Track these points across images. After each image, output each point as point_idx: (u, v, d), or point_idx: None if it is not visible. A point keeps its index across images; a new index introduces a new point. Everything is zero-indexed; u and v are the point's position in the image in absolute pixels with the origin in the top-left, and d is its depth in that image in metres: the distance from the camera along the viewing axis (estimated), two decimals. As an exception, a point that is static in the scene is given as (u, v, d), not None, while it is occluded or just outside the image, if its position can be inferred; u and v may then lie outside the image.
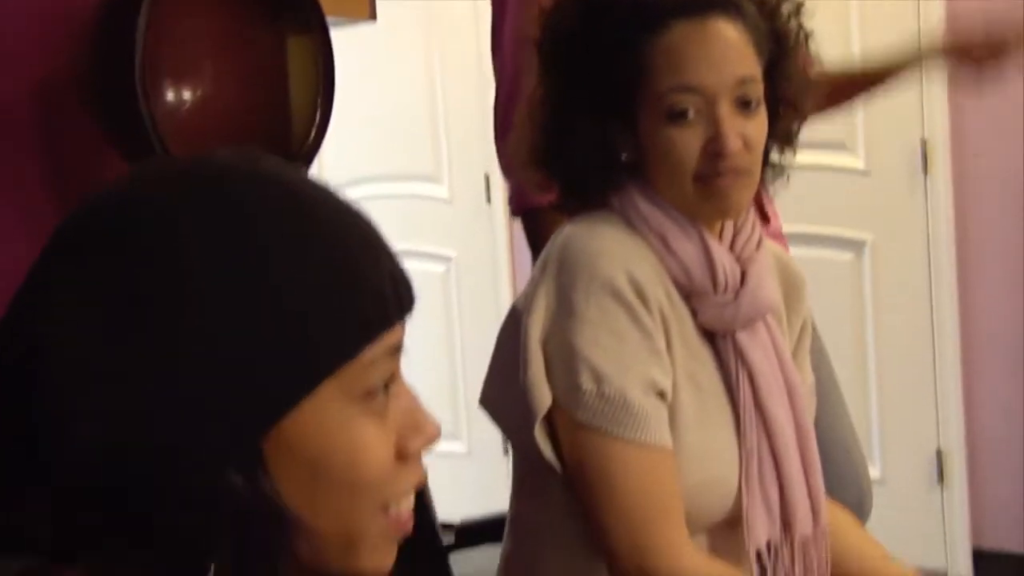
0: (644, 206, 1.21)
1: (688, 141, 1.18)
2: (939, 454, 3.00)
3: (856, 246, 3.05)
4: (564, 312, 1.16)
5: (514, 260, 3.55)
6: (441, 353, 3.69)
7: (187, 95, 1.54)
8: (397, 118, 3.68)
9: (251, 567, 0.61)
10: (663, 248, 1.20)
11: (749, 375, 1.22)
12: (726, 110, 1.18)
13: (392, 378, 0.65)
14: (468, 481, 3.45)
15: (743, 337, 1.22)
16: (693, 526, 1.19)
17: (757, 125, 1.19)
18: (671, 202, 1.21)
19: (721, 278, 1.20)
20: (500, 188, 3.51)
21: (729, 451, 1.21)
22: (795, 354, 1.32)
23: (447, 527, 1.64)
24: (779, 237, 1.83)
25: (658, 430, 1.15)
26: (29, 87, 1.60)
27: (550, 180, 1.28)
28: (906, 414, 3.02)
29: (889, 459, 3.01)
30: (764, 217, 1.75)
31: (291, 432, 0.61)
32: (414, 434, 0.66)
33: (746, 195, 1.21)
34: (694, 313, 1.23)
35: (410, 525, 0.68)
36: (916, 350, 2.99)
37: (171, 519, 0.60)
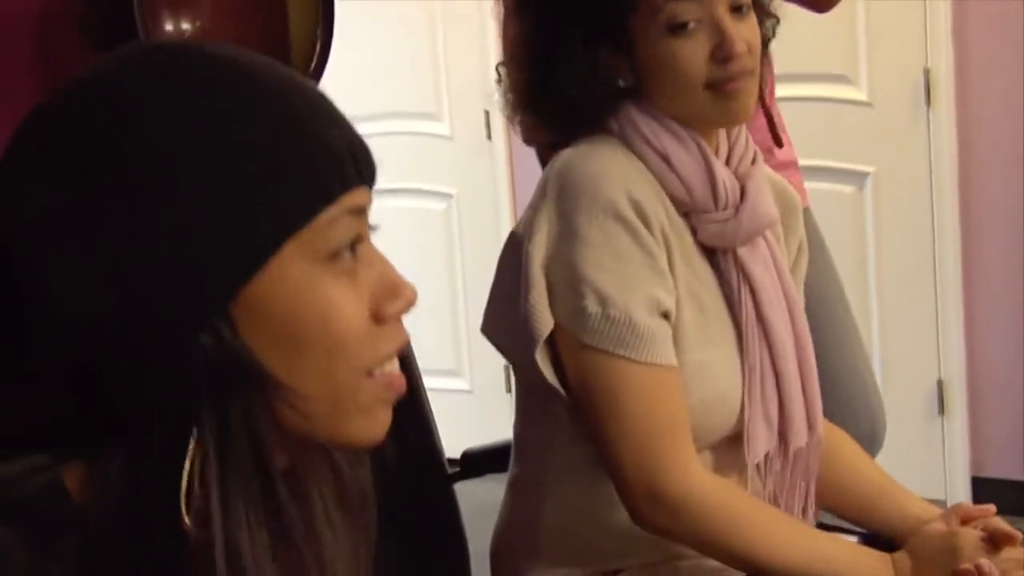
0: (645, 124, 1.21)
1: (693, 51, 1.18)
2: (940, 384, 3.02)
3: (858, 178, 3.04)
4: (567, 236, 1.16)
5: (515, 196, 3.54)
6: (443, 290, 3.70)
7: (186, 27, 1.53)
8: (397, 55, 3.65)
9: (234, 434, 0.62)
10: (664, 166, 1.20)
11: (751, 289, 1.23)
12: (724, 14, 1.19)
13: (359, 240, 0.67)
14: (470, 418, 3.48)
15: (744, 252, 1.23)
16: (698, 443, 1.21)
17: (751, 27, 1.22)
18: (677, 117, 1.21)
19: (722, 194, 1.21)
20: (500, 125, 3.49)
21: (732, 368, 1.23)
22: (791, 274, 1.34)
23: (450, 462, 1.65)
24: (792, 167, 1.83)
25: (664, 349, 1.16)
26: (28, 20, 1.58)
27: (540, 123, 1.27)
28: (907, 345, 3.03)
29: (890, 389, 3.01)
30: (778, 142, 1.75)
31: (260, 295, 0.62)
32: (390, 297, 0.67)
33: (752, 98, 1.22)
34: (693, 232, 1.23)
35: (403, 385, 0.68)
36: (918, 281, 2.99)
37: (148, 390, 0.61)
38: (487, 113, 3.54)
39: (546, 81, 1.22)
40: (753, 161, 1.26)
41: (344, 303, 0.65)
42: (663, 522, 1.17)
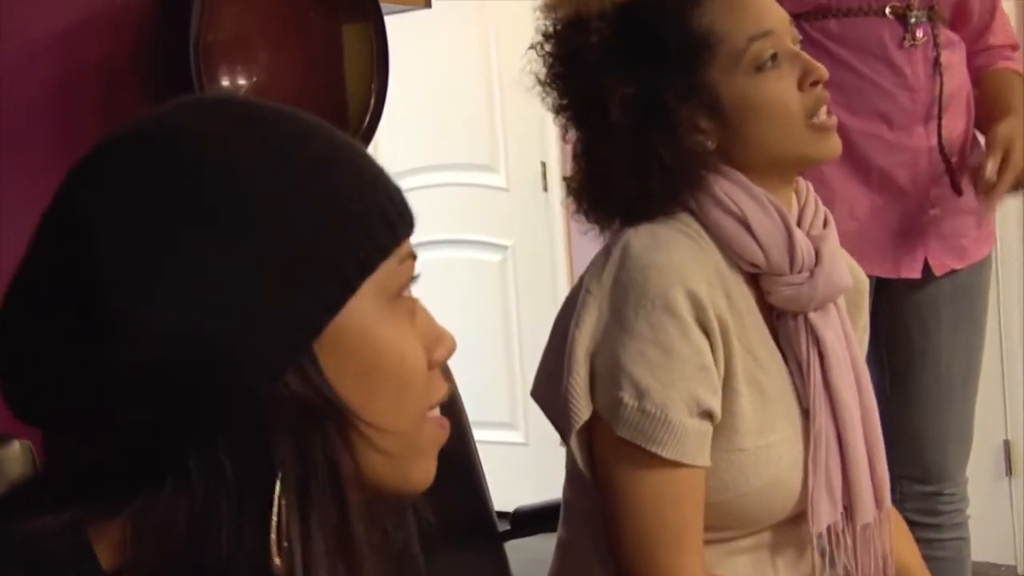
0: (723, 189, 1.18)
1: (784, 84, 1.18)
2: (1006, 445, 2.94)
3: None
4: (615, 326, 1.14)
5: (571, 248, 3.54)
6: (498, 342, 3.69)
7: (243, 82, 1.55)
8: (454, 107, 3.68)
9: (317, 471, 0.62)
10: (740, 231, 1.18)
11: (820, 355, 1.20)
12: (795, 46, 1.19)
13: (408, 287, 0.69)
14: (525, 471, 3.45)
15: (815, 317, 1.20)
16: (756, 525, 1.19)
17: None
18: (761, 173, 1.19)
19: (799, 258, 1.18)
20: (557, 177, 3.49)
21: (793, 451, 1.19)
22: None
23: (503, 516, 1.63)
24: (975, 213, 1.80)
25: (694, 449, 1.13)
26: (92, 74, 1.62)
27: (619, 211, 1.21)
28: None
29: (955, 450, 2.95)
30: (956, 189, 1.74)
31: (341, 332, 0.64)
32: (436, 344, 0.70)
33: None
34: (761, 299, 1.21)
35: (448, 428, 0.71)
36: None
37: (231, 424, 0.61)
38: (543, 165, 3.54)
39: (632, 160, 1.18)
40: (825, 224, 1.24)
41: (412, 342, 0.67)
42: None
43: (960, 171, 1.76)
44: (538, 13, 1.23)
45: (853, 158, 1.71)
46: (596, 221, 1.23)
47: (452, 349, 0.71)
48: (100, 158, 0.64)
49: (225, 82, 1.53)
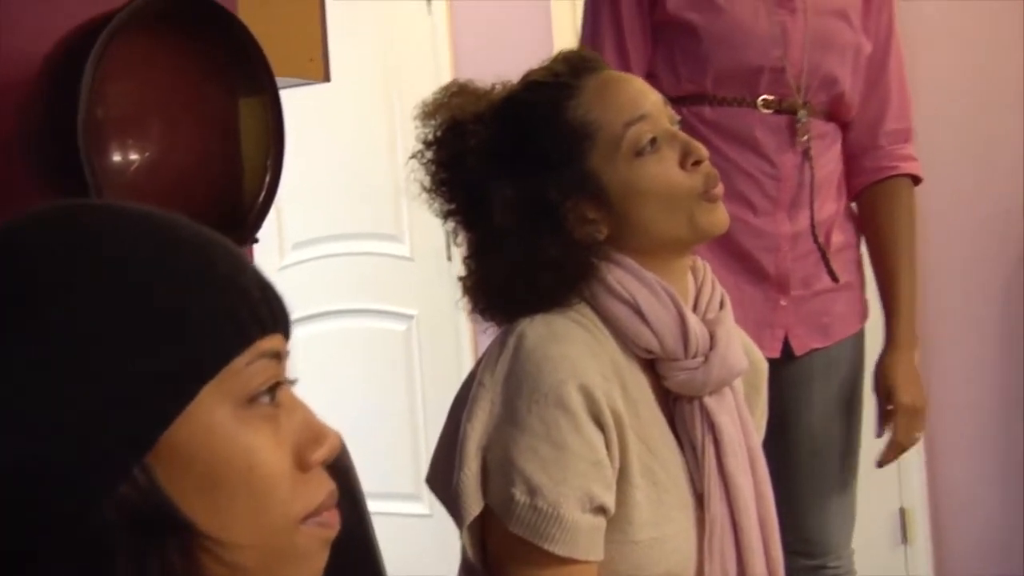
0: (615, 277, 1.19)
1: (668, 165, 1.19)
2: (902, 512, 2.99)
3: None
4: (507, 421, 1.13)
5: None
6: (402, 412, 3.65)
7: (134, 157, 1.52)
8: (357, 177, 3.67)
9: None
10: (635, 319, 1.18)
11: (715, 440, 1.21)
12: (672, 127, 1.21)
13: (278, 387, 0.66)
14: (429, 543, 3.40)
15: (711, 401, 1.21)
16: None
17: None
18: (652, 256, 1.19)
19: (693, 343, 1.19)
20: (461, 246, 3.50)
21: (686, 541, 1.20)
22: None
23: (406, 591, 1.61)
24: (846, 249, 1.84)
25: (586, 545, 1.13)
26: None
27: (515, 307, 1.21)
28: (868, 472, 3.00)
29: (852, 518, 2.99)
30: (833, 277, 1.77)
31: (180, 442, 0.61)
32: (313, 444, 0.66)
33: None
34: (657, 385, 1.21)
35: (337, 522, 0.67)
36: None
37: (63, 544, 0.58)
38: (448, 234, 3.54)
39: (521, 261, 1.18)
40: (721, 306, 1.24)
41: (267, 448, 0.64)
42: None
43: (832, 256, 1.81)
44: (416, 122, 1.24)
45: (720, 238, 1.76)
46: (492, 319, 1.23)
47: (335, 448, 0.67)
48: None
49: (117, 158, 1.50)
